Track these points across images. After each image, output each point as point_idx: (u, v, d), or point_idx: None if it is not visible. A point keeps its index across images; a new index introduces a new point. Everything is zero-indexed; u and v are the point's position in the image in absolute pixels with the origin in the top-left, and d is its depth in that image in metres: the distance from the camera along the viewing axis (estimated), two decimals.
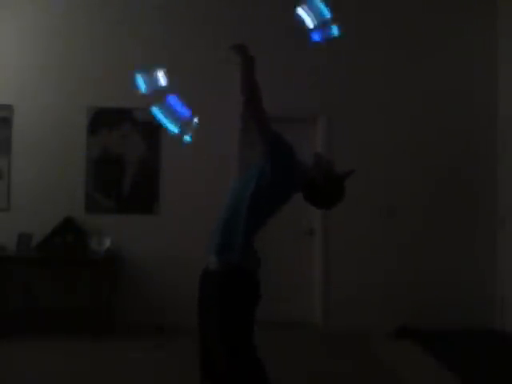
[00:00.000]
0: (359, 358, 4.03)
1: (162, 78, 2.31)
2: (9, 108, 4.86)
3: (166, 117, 2.26)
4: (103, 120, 4.89)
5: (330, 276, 4.87)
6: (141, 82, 2.31)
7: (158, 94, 2.31)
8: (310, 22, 2.26)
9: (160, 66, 2.36)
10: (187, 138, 2.25)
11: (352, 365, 3.86)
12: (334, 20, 2.29)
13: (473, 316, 4.79)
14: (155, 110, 2.23)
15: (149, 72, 2.32)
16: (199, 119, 2.28)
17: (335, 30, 2.29)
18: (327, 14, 2.28)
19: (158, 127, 4.88)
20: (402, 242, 4.89)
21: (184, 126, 2.26)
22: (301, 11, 2.23)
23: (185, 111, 2.26)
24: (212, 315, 2.09)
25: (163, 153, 4.87)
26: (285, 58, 4.92)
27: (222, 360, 2.05)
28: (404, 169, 4.97)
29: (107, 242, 4.64)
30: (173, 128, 2.24)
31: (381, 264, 4.87)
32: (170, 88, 2.36)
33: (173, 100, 2.25)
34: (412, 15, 5.03)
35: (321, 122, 4.94)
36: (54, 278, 4.79)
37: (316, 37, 2.30)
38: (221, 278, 2.07)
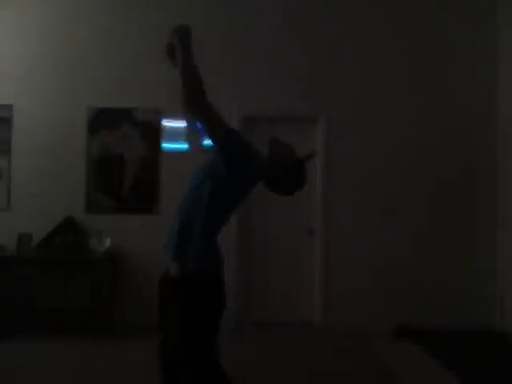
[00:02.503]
0: (359, 357, 4.03)
1: None
2: (9, 108, 4.87)
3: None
4: (103, 120, 4.89)
5: (330, 276, 4.88)
6: None
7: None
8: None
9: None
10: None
11: (352, 365, 3.86)
12: None
13: (473, 316, 4.79)
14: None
15: None
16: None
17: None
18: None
19: (158, 127, 4.90)
20: (402, 242, 4.89)
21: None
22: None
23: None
24: (173, 320, 2.06)
25: (163, 153, 4.87)
26: (285, 59, 4.93)
27: (182, 364, 2.04)
28: (404, 169, 4.97)
29: (107, 242, 4.64)
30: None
31: (381, 264, 4.87)
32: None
33: None
34: (412, 16, 5.03)
35: (320, 122, 4.94)
36: (54, 278, 4.79)
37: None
38: (181, 283, 2.02)
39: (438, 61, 5.02)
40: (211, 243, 2.06)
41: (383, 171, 4.94)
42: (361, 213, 4.89)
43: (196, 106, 1.93)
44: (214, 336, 2.06)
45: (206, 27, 4.94)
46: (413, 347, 4.28)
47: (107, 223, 4.79)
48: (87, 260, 4.61)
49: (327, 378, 3.56)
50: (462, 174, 4.99)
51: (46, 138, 4.87)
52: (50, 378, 3.47)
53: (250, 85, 4.89)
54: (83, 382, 3.44)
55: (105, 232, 4.70)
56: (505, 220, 4.86)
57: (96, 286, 4.49)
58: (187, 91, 1.91)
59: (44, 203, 4.81)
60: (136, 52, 4.92)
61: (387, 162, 4.95)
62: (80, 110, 4.87)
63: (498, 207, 4.95)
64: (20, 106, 4.87)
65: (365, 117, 4.97)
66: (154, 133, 4.88)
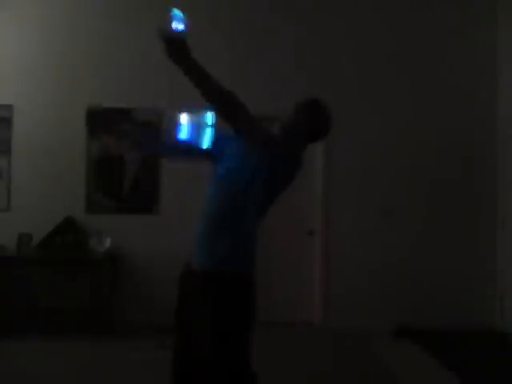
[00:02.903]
0: (359, 357, 4.03)
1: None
2: (9, 108, 4.86)
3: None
4: (103, 120, 4.89)
5: (330, 276, 4.88)
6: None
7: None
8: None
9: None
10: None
11: (352, 365, 3.86)
12: None
13: (473, 316, 4.79)
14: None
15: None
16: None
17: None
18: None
19: (158, 127, 4.89)
20: (402, 242, 4.89)
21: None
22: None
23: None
24: (202, 321, 1.86)
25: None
26: (285, 59, 4.93)
27: (208, 369, 1.85)
28: (404, 169, 4.97)
29: (107, 242, 4.64)
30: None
31: (381, 264, 4.87)
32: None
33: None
34: (412, 16, 5.03)
35: None
36: (54, 278, 4.79)
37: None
38: (216, 283, 1.84)
39: (437, 61, 5.02)
40: (248, 240, 1.92)
41: (383, 171, 4.94)
42: (361, 213, 4.89)
43: (234, 122, 1.84)
44: (245, 341, 1.91)
45: (206, 27, 4.94)
46: (413, 347, 4.28)
47: (107, 223, 4.79)
48: (87, 260, 4.61)
49: (327, 378, 3.56)
50: (461, 173, 4.99)
51: (46, 138, 4.87)
52: (50, 377, 3.47)
53: (250, 85, 4.88)
54: (83, 382, 3.44)
55: (105, 232, 4.70)
56: (505, 220, 4.86)
57: (96, 286, 4.49)
58: (219, 111, 1.82)
59: (44, 203, 4.81)
60: (136, 52, 4.92)
61: (387, 163, 4.95)
62: (80, 110, 4.87)
63: (498, 207, 4.95)
64: (20, 106, 4.87)
65: (365, 117, 4.96)
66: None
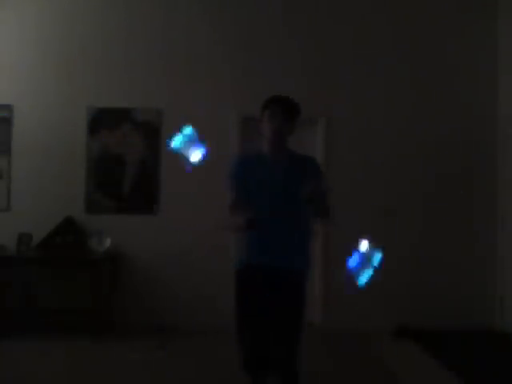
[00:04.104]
0: (359, 357, 4.03)
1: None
2: (9, 108, 4.87)
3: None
4: (103, 120, 4.89)
5: (330, 276, 4.87)
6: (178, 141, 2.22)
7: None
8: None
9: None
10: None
11: (352, 365, 3.86)
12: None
13: (473, 316, 4.79)
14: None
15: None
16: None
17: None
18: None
19: (158, 127, 4.90)
20: (402, 242, 4.89)
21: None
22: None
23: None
24: (291, 309, 2.38)
25: (163, 153, 4.87)
26: (285, 59, 4.93)
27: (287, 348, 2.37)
28: (404, 169, 4.96)
29: (107, 242, 4.65)
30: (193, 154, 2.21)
31: (381, 264, 4.85)
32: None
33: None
34: (413, 17, 5.02)
35: (320, 123, 4.94)
36: (54, 278, 4.79)
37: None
38: (303, 278, 2.44)
39: (437, 61, 5.02)
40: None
41: (383, 171, 4.94)
42: (361, 212, 4.89)
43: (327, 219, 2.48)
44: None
45: (206, 27, 4.95)
46: (413, 347, 4.28)
47: (107, 223, 4.79)
48: (87, 260, 4.61)
49: (327, 377, 3.56)
50: (461, 173, 4.98)
51: (46, 138, 4.87)
52: (50, 377, 3.47)
53: (250, 85, 4.89)
54: (83, 382, 3.44)
55: (105, 232, 4.70)
56: (505, 220, 4.86)
57: (96, 286, 4.49)
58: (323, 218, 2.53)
59: (44, 203, 4.81)
60: (136, 52, 4.92)
61: (387, 162, 4.95)
62: (80, 110, 4.87)
63: (498, 207, 4.95)
64: (20, 106, 4.87)
65: (365, 117, 4.96)
66: (154, 133, 4.88)
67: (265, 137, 2.46)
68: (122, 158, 4.90)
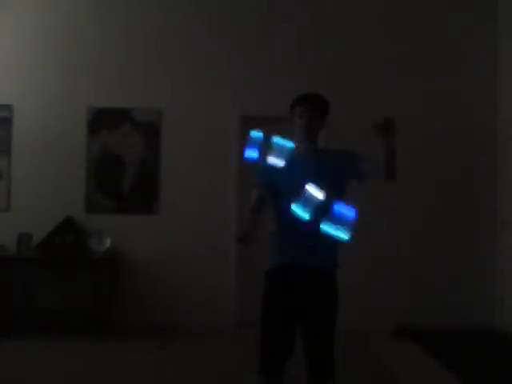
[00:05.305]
0: (359, 357, 4.03)
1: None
2: (9, 108, 4.87)
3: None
4: (103, 120, 4.89)
5: None
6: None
7: None
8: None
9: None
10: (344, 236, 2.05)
11: (352, 365, 3.85)
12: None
13: (473, 316, 4.79)
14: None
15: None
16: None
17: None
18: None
19: (158, 127, 4.90)
20: (403, 242, 4.89)
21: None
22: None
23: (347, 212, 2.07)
24: (324, 308, 2.44)
25: (163, 153, 4.87)
26: (285, 59, 4.93)
27: (323, 346, 2.43)
28: (404, 169, 4.94)
29: (107, 242, 4.65)
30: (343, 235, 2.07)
31: (381, 264, 4.86)
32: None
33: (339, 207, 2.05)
34: (413, 16, 5.02)
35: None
36: (54, 278, 4.79)
37: None
38: (334, 278, 2.54)
39: (438, 61, 5.01)
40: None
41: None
42: (361, 213, 4.87)
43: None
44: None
45: (206, 27, 4.95)
46: (412, 347, 4.28)
47: (107, 223, 4.79)
48: (87, 260, 4.61)
49: None
50: (462, 174, 4.98)
51: (46, 138, 4.87)
52: (50, 377, 3.47)
53: (250, 85, 4.89)
54: (83, 382, 3.44)
55: (105, 232, 4.70)
56: (505, 220, 4.86)
57: (96, 286, 4.49)
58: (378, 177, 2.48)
59: (44, 203, 4.81)
60: (136, 52, 4.92)
61: None
62: (80, 110, 4.87)
63: (498, 208, 4.94)
64: (20, 106, 4.87)
65: (364, 117, 4.94)
66: (154, 133, 4.88)
67: (295, 134, 2.45)
68: (121, 158, 4.90)
